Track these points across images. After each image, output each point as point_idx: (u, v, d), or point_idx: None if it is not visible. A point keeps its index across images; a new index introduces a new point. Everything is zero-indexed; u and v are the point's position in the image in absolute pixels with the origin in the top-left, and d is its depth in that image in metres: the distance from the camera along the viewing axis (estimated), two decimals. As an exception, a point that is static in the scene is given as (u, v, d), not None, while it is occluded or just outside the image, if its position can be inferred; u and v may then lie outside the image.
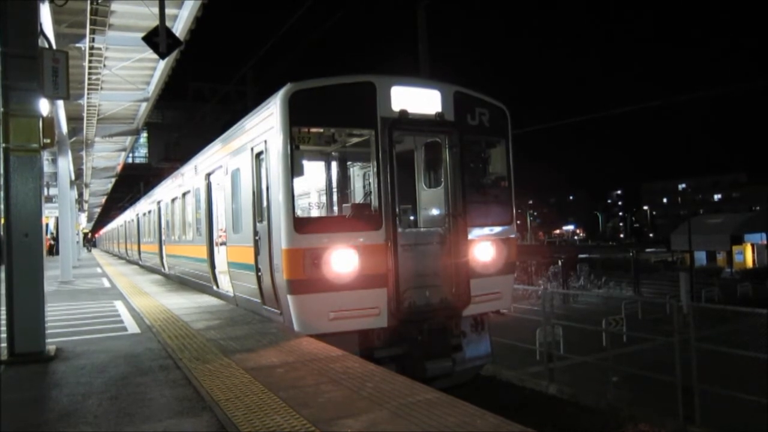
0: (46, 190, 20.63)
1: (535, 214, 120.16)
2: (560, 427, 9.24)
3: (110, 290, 13.74)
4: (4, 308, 5.82)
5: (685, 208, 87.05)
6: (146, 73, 14.69)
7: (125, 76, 13.99)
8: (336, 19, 12.88)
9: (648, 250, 59.48)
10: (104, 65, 12.42)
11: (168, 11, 9.43)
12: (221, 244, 10.51)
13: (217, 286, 10.72)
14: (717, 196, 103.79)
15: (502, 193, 8.29)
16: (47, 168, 21.28)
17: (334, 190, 10.27)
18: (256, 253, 7.72)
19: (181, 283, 14.11)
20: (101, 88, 13.92)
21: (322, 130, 8.71)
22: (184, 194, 13.38)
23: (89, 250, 55.24)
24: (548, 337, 11.65)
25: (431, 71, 14.93)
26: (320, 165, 10.30)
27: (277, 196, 6.93)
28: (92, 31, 10.38)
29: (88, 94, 13.96)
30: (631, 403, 9.80)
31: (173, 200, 14.84)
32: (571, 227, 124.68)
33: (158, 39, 8.28)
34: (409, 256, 7.23)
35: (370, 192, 8.19)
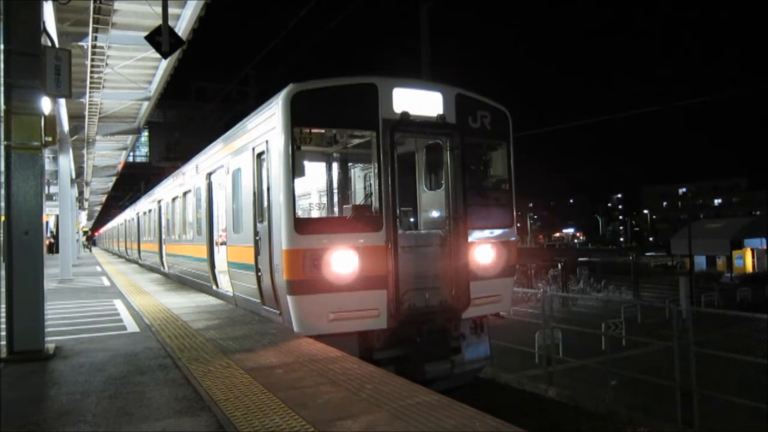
0: (46, 188, 20.61)
1: (536, 217, 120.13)
2: (559, 431, 9.24)
3: (110, 289, 13.74)
4: (3, 306, 5.82)
5: (686, 212, 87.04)
6: (148, 72, 14.70)
7: (127, 74, 14.00)
8: (339, 20, 12.91)
9: (648, 254, 59.42)
10: (106, 64, 12.42)
11: (171, 10, 9.43)
12: (221, 243, 10.51)
13: (217, 286, 10.72)
14: (717, 201, 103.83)
15: (502, 195, 8.29)
16: (48, 166, 21.27)
17: (335, 191, 10.27)
18: (256, 254, 7.72)
19: (181, 282, 14.10)
20: (103, 87, 13.92)
21: (323, 131, 8.72)
22: (184, 193, 13.38)
23: (90, 250, 54.91)
24: (547, 340, 11.65)
25: (433, 73, 14.95)
26: (321, 166, 10.30)
27: (278, 197, 6.93)
28: (95, 30, 10.40)
29: (90, 92, 13.97)
30: (630, 406, 9.80)
31: (174, 199, 14.84)
32: (571, 230, 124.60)
33: (161, 38, 8.29)
34: (409, 258, 7.23)
35: (371, 193, 8.19)
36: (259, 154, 7.72)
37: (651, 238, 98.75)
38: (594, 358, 11.99)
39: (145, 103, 17.10)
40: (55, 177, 20.71)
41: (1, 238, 6.10)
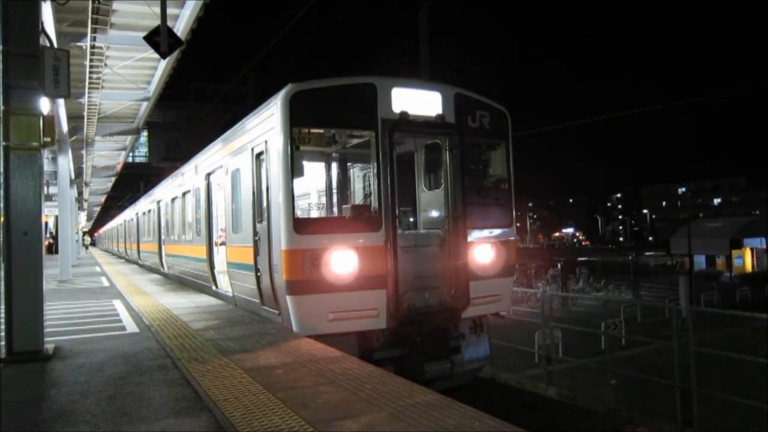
0: (45, 188, 20.57)
1: (535, 216, 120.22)
2: (559, 430, 9.23)
3: (109, 289, 13.73)
4: (2, 307, 5.81)
5: (685, 211, 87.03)
6: (147, 73, 14.69)
7: (126, 75, 13.99)
8: (338, 19, 12.92)
9: (648, 253, 59.49)
10: (105, 64, 12.41)
11: (169, 11, 9.42)
12: (221, 244, 10.51)
13: (216, 286, 10.72)
14: (717, 200, 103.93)
15: (502, 195, 8.29)
16: (47, 166, 21.26)
17: (334, 191, 10.27)
18: (256, 254, 7.71)
19: (180, 282, 14.10)
20: (102, 87, 13.90)
21: (322, 131, 8.71)
22: (184, 194, 13.38)
23: (87, 248, 54.79)
24: (547, 340, 11.64)
25: (432, 73, 14.95)
26: (320, 166, 10.30)
27: (277, 197, 6.93)
28: (94, 30, 10.38)
29: (88, 92, 13.95)
30: (630, 406, 9.79)
31: (173, 200, 14.84)
32: (570, 230, 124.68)
33: (159, 39, 8.27)
34: (408, 258, 7.23)
35: (370, 193, 8.18)
36: (258, 155, 7.72)
37: (650, 238, 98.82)
38: (594, 357, 12.00)
39: (144, 104, 17.08)
40: (54, 177, 20.69)
41: (1, 239, 6.09)
